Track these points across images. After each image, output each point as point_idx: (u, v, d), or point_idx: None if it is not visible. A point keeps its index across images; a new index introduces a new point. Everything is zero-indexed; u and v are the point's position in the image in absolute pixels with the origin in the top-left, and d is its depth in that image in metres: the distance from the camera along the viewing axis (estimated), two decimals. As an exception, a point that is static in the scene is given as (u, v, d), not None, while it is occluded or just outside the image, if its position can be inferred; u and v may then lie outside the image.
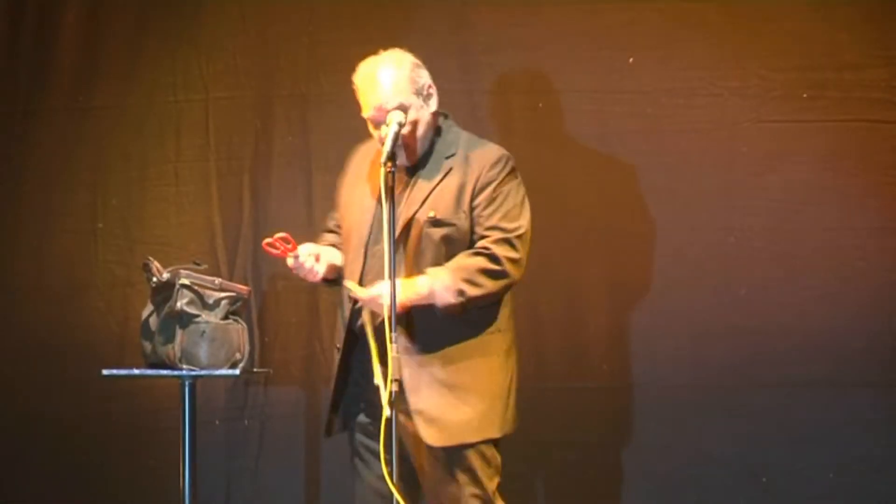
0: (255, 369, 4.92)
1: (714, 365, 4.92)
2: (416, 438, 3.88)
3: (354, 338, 3.98)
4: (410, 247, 3.89)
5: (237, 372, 4.46)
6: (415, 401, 3.86)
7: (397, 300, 3.69)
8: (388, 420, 3.62)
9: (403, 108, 3.85)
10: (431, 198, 3.91)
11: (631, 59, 4.99)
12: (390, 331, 3.65)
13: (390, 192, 3.72)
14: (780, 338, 4.89)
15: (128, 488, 5.17)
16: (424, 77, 3.94)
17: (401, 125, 3.82)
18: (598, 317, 4.99)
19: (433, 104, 3.96)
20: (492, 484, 3.94)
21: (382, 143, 3.79)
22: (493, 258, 3.86)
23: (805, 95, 4.92)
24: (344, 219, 4.11)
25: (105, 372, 4.49)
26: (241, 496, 5.16)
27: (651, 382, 4.95)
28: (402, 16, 5.08)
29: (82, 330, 5.22)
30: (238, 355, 4.47)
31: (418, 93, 3.91)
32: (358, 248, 3.96)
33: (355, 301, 3.91)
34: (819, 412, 4.87)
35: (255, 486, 5.16)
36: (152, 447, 5.10)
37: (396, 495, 3.66)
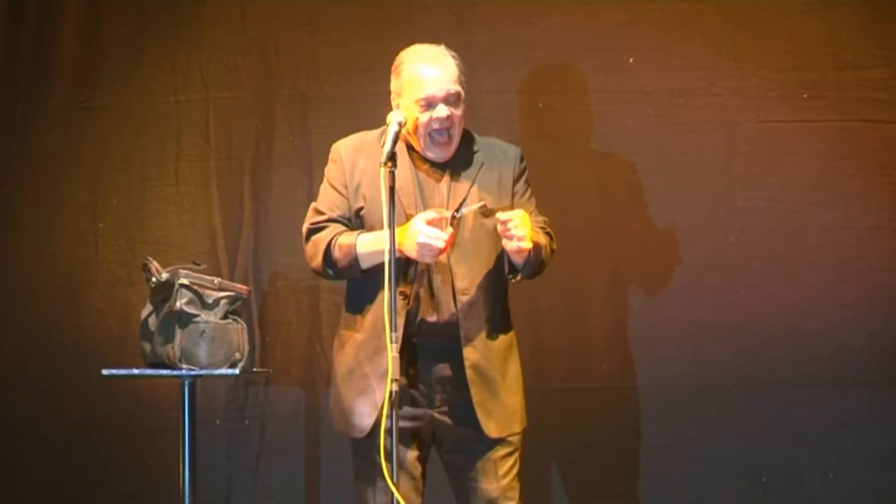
0: (255, 369, 4.92)
1: (714, 365, 4.92)
2: (463, 433, 3.92)
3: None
4: (468, 237, 3.92)
5: (237, 371, 4.46)
6: (466, 394, 3.89)
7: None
8: (389, 419, 3.64)
9: (460, 98, 3.95)
10: (475, 190, 3.95)
11: (631, 59, 5.00)
12: (391, 330, 3.65)
13: (391, 191, 3.72)
14: (780, 338, 4.90)
15: (128, 488, 5.17)
16: None
17: (401, 125, 3.84)
18: (599, 316, 5.00)
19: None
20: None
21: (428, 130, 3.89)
22: (550, 237, 4.07)
23: (805, 95, 4.93)
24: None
25: (105, 372, 4.48)
26: (241, 496, 5.16)
27: (651, 382, 4.96)
28: (402, 16, 5.08)
29: (82, 330, 5.22)
30: (238, 355, 4.47)
31: (463, 88, 3.98)
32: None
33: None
34: (819, 412, 4.87)
35: (255, 486, 5.16)
36: (152, 447, 5.10)
37: (396, 495, 3.66)
